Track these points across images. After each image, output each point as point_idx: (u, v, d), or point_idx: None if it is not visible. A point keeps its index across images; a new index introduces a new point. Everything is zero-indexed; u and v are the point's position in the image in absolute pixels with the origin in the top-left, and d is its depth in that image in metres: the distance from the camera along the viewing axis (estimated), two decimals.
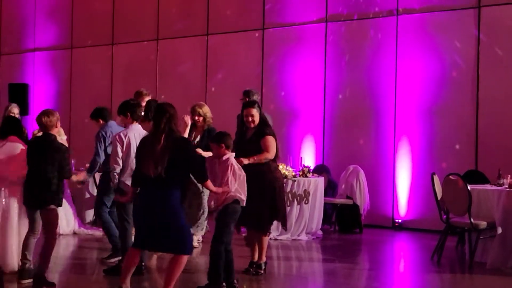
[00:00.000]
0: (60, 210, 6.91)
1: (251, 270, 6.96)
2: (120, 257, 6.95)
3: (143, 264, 6.77)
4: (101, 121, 7.80)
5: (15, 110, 9.47)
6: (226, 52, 12.64)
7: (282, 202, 7.06)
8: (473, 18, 10.26)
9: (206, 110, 8.43)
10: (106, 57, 14.19)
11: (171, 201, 5.48)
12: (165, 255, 7.74)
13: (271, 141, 6.87)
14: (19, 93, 14.69)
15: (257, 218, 6.78)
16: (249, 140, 6.94)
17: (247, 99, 9.15)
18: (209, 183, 5.70)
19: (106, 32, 14.19)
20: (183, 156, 5.50)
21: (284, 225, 7.39)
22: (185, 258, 5.56)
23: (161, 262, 7.51)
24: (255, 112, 6.95)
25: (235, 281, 6.13)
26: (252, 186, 6.42)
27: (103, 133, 7.65)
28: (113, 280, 6.65)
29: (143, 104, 8.50)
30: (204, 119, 8.38)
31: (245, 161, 6.58)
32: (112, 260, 7.41)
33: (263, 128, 6.96)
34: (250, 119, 6.95)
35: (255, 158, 6.72)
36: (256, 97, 9.16)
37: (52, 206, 6.31)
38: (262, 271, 6.95)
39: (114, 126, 7.74)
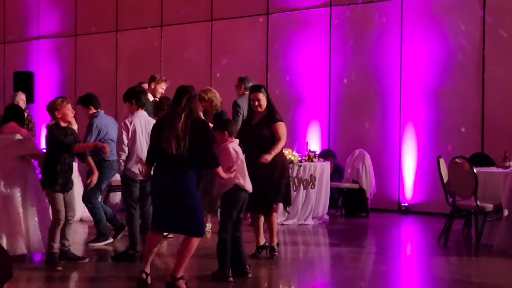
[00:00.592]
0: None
1: (257, 254, 7.02)
2: (111, 241, 7.50)
3: (137, 251, 6.80)
4: (92, 109, 7.80)
5: (21, 98, 9.50)
6: (230, 37, 12.61)
7: (288, 185, 7.11)
8: (478, 0, 10.20)
9: (211, 94, 8.42)
10: (110, 44, 14.18)
11: (188, 181, 5.50)
12: (174, 241, 7.80)
13: (283, 127, 6.92)
14: (24, 81, 14.70)
15: (261, 201, 6.80)
16: (257, 125, 6.92)
17: (242, 86, 9.15)
18: (220, 169, 5.70)
19: (110, 19, 14.17)
20: (200, 138, 5.51)
21: (288, 204, 7.32)
22: (196, 241, 5.59)
23: (171, 248, 7.56)
24: (262, 96, 6.95)
25: (247, 267, 6.16)
26: (261, 171, 6.44)
27: (98, 125, 7.68)
28: (120, 266, 6.69)
29: (159, 89, 8.50)
30: (211, 104, 8.36)
31: (269, 157, 6.68)
32: (99, 243, 7.64)
33: (273, 113, 6.96)
34: (257, 103, 6.94)
35: (275, 150, 6.78)
36: (251, 85, 9.14)
37: (46, 190, 6.57)
38: (276, 253, 7.01)
39: (104, 117, 7.81)
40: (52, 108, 6.60)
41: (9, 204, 6.74)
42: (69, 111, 6.64)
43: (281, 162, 6.98)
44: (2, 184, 6.76)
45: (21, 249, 6.71)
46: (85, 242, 8.00)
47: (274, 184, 6.88)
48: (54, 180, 6.52)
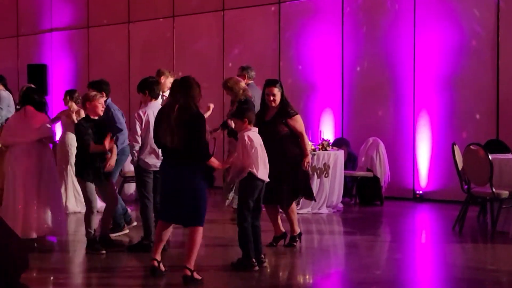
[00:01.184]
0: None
1: (274, 244, 7.03)
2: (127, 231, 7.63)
3: (152, 241, 6.80)
4: (104, 96, 7.83)
5: None
6: (242, 27, 12.58)
7: (305, 176, 7.05)
8: None
9: (231, 83, 8.30)
10: (123, 36, 14.19)
11: (191, 175, 5.50)
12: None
13: (300, 121, 6.92)
14: (38, 74, 14.77)
15: (277, 194, 6.81)
16: (272, 121, 6.84)
17: (245, 75, 9.06)
18: (212, 160, 5.64)
19: (122, 10, 14.18)
20: (193, 131, 5.48)
21: (312, 198, 7.35)
22: (200, 230, 5.58)
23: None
24: (276, 91, 6.88)
25: (263, 256, 6.16)
26: (274, 163, 6.44)
27: (119, 109, 7.83)
28: (137, 256, 6.72)
29: (168, 84, 8.49)
30: (232, 92, 8.27)
31: (309, 159, 6.88)
32: (114, 234, 7.60)
33: (287, 108, 6.91)
34: (271, 98, 6.88)
35: (306, 149, 6.89)
36: (253, 74, 9.09)
37: (78, 178, 6.88)
38: (296, 243, 7.01)
39: (114, 105, 7.91)
40: (84, 98, 6.90)
41: (24, 186, 6.84)
42: (100, 104, 6.85)
43: (295, 154, 6.93)
44: (21, 165, 6.86)
45: (32, 234, 6.81)
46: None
47: (288, 177, 6.86)
48: (85, 170, 6.71)
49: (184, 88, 5.55)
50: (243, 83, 8.38)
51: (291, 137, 6.89)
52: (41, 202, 6.88)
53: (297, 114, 6.92)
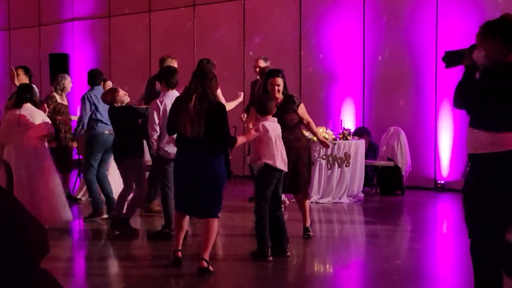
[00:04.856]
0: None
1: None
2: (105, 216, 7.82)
3: (173, 230, 6.83)
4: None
5: (68, 80, 9.72)
6: (263, 16, 12.54)
7: (305, 169, 6.88)
8: None
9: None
10: (144, 25, 14.22)
11: (213, 164, 5.48)
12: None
13: (305, 108, 6.84)
14: (60, 63, 14.85)
15: (296, 181, 6.78)
16: (279, 110, 6.50)
17: (270, 65, 8.98)
18: (239, 141, 5.77)
19: None
20: (215, 120, 5.47)
21: (306, 194, 7.16)
22: (216, 222, 5.59)
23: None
24: (281, 81, 6.63)
25: (287, 247, 6.16)
26: (290, 150, 6.41)
27: (87, 96, 8.21)
28: (157, 245, 6.75)
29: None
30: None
31: (330, 144, 6.81)
32: (92, 219, 7.84)
33: (293, 96, 6.80)
34: (276, 88, 6.58)
35: (319, 134, 7.13)
36: (268, 63, 9.03)
37: (138, 159, 7.38)
38: (311, 233, 7.00)
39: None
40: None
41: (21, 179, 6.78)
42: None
43: (300, 146, 6.80)
44: (18, 161, 6.83)
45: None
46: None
47: (307, 166, 6.83)
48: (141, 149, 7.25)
49: (201, 78, 5.54)
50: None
51: (299, 125, 6.85)
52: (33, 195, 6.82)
53: (301, 102, 6.85)
